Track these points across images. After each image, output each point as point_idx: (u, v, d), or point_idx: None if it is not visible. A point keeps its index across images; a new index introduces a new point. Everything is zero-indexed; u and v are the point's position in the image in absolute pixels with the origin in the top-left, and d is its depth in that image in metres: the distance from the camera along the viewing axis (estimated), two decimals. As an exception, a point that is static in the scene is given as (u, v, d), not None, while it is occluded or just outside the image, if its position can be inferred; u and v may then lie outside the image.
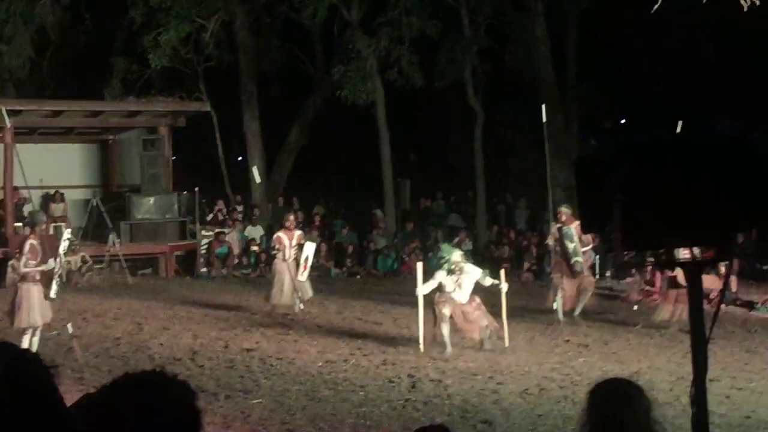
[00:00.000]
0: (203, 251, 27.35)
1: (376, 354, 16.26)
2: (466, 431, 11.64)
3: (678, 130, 19.17)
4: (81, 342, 15.49)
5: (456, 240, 29.33)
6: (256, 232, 29.10)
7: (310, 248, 20.70)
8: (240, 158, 34.26)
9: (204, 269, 27.11)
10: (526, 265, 27.67)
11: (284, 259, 20.10)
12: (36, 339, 14.75)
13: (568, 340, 17.75)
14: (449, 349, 16.14)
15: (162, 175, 27.18)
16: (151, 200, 26.78)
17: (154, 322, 18.97)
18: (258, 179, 22.65)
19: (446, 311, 16.29)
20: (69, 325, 15.38)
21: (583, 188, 4.59)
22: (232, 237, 28.23)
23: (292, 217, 21.34)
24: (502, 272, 17.36)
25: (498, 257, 28.40)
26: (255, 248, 28.11)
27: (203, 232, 27.67)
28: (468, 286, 16.50)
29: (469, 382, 14.34)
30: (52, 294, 14.41)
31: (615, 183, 4.49)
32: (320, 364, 15.41)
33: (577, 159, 4.64)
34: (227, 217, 29.85)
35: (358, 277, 27.49)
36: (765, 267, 24.29)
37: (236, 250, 27.91)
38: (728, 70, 30.26)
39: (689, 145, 4.93)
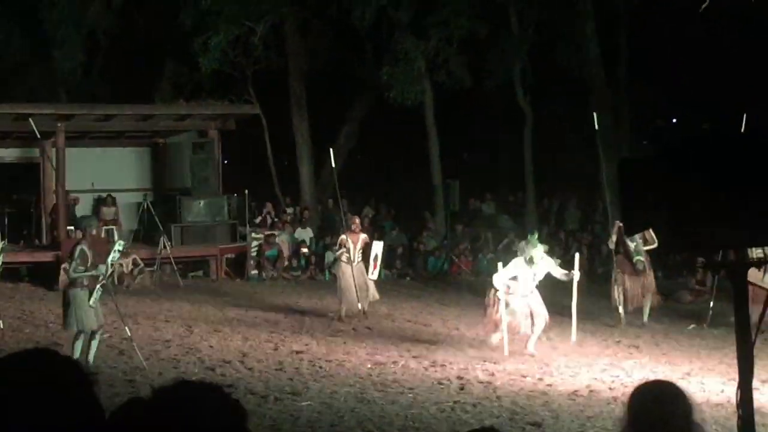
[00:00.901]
0: (253, 253, 27.42)
1: (425, 356, 16.24)
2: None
3: (743, 127, 18.96)
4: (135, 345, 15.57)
5: (505, 241, 29.26)
6: (305, 233, 29.16)
7: (378, 247, 20.71)
8: (286, 163, 34.29)
9: (254, 271, 27.18)
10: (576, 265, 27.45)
11: (348, 262, 20.05)
12: (95, 342, 14.79)
13: (619, 341, 17.65)
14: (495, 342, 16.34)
15: (212, 177, 27.27)
16: (202, 203, 26.89)
17: (204, 324, 19.06)
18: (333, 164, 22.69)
19: (505, 318, 16.28)
20: (127, 329, 15.46)
21: (627, 190, 4.56)
22: (282, 239, 28.29)
23: (357, 220, 21.26)
24: (577, 258, 17.34)
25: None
26: (305, 250, 28.16)
27: (253, 235, 27.74)
28: (540, 277, 16.50)
29: (518, 384, 14.29)
30: (91, 302, 14.41)
31: (660, 184, 4.45)
32: (369, 366, 15.41)
33: (621, 160, 4.61)
34: (276, 219, 29.91)
35: (408, 278, 27.46)
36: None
37: (286, 252, 27.96)
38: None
39: (735, 144, 4.87)
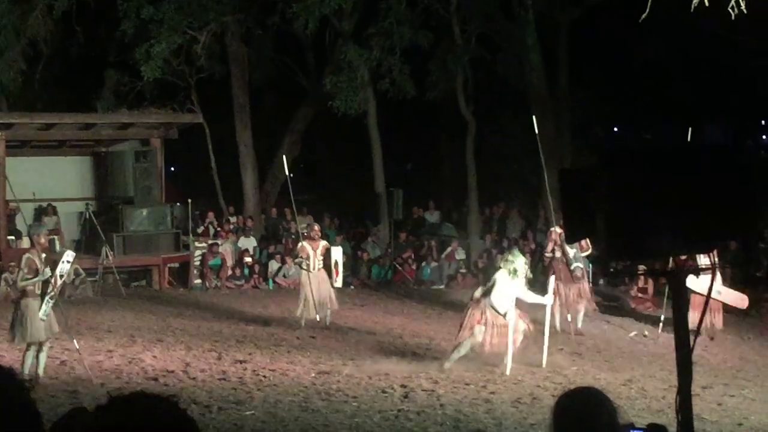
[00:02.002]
0: (196, 263, 27.32)
1: (369, 364, 16.25)
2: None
3: (689, 137, 19.16)
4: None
5: (449, 249, 29.41)
6: (249, 242, 29.09)
7: (337, 253, 20.70)
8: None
9: (197, 281, 27.08)
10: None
11: (309, 270, 19.98)
12: (43, 355, 14.62)
13: (561, 349, 17.77)
14: (449, 365, 15.83)
15: (155, 187, 27.15)
16: (144, 212, 26.75)
17: (147, 334, 18.97)
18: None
19: (479, 336, 15.81)
20: (75, 342, 15.32)
21: (566, 199, 4.63)
22: (225, 248, 28.21)
23: (317, 227, 21.19)
24: (551, 282, 17.03)
25: (491, 266, 28.41)
26: (248, 259, 28.10)
27: (196, 244, 27.65)
28: (514, 295, 16.01)
29: (461, 392, 14.36)
30: (41, 314, 14.25)
31: (600, 193, 4.51)
32: (313, 375, 15.42)
33: (561, 170, 4.68)
34: (219, 228, 29.83)
35: (352, 287, 27.48)
36: (758, 274, 24.30)
37: (229, 262, 27.88)
38: (721, 77, 30.34)
39: (674, 154, 4.95)
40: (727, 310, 19.16)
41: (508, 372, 15.49)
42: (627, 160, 4.73)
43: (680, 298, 4.47)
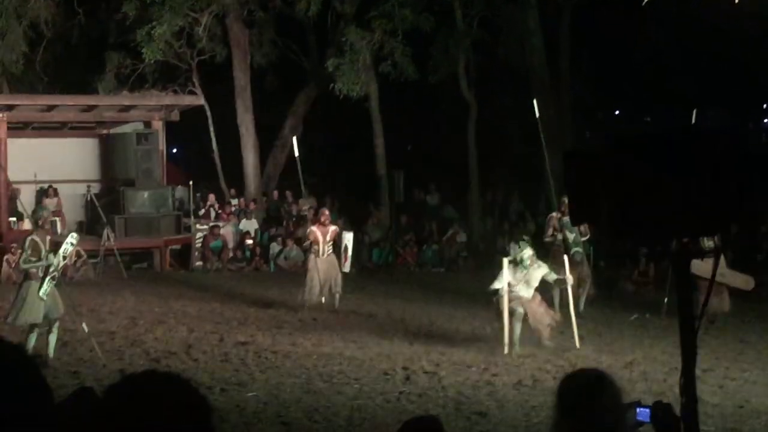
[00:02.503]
0: (198, 245, 27.35)
1: (370, 347, 16.30)
2: (461, 423, 11.68)
3: (693, 120, 19.15)
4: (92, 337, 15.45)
5: (450, 232, 29.42)
6: (250, 225, 29.10)
7: (348, 238, 20.57)
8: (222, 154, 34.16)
9: (199, 263, 27.12)
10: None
11: (318, 256, 19.91)
12: (53, 336, 14.64)
13: (562, 332, 17.76)
14: (518, 348, 15.77)
15: (156, 169, 27.20)
16: (146, 194, 26.79)
17: (149, 316, 19.02)
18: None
19: (521, 309, 15.82)
20: (84, 325, 15.34)
21: (572, 181, 4.64)
22: (227, 230, 28.23)
23: (327, 212, 20.87)
24: (566, 261, 17.08)
25: (492, 249, 28.45)
26: (249, 242, 28.13)
27: (198, 226, 27.67)
28: (535, 283, 16.08)
29: (463, 374, 14.38)
30: (42, 293, 14.30)
31: (604, 176, 4.53)
32: (315, 357, 15.45)
33: (566, 153, 4.69)
34: (220, 211, 29.85)
35: (353, 269, 27.46)
36: (759, 256, 24.32)
37: (231, 244, 27.91)
38: (721, 61, 30.33)
39: (677, 138, 4.96)
40: (731, 293, 19.18)
41: (506, 350, 15.60)
42: (632, 144, 4.74)
43: (684, 280, 4.48)
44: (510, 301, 15.81)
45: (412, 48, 30.00)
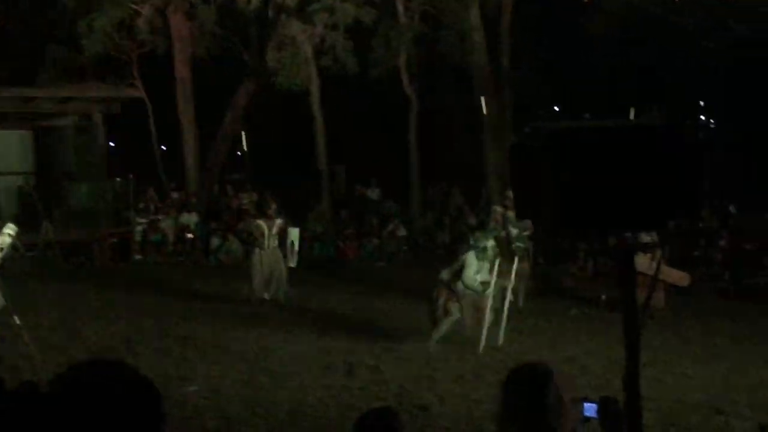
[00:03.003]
0: (138, 238, 27.19)
1: (312, 340, 16.30)
2: (402, 416, 11.70)
3: (631, 117, 19.31)
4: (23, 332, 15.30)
5: (391, 227, 29.47)
6: (190, 218, 28.97)
7: (294, 234, 20.44)
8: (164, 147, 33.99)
9: (138, 256, 26.97)
10: (462, 251, 27.74)
11: (262, 249, 19.81)
12: None
13: (503, 327, 17.85)
14: (432, 346, 15.66)
15: (96, 162, 27.01)
16: (85, 187, 26.59)
17: (88, 309, 18.88)
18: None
19: (456, 312, 15.70)
20: (15, 317, 15.18)
21: (516, 175, 4.67)
22: (167, 224, 28.10)
23: (274, 205, 20.58)
24: (515, 263, 16.83)
25: (432, 244, 28.56)
26: (190, 235, 28.01)
27: (138, 219, 27.51)
28: (485, 276, 15.95)
29: (404, 368, 14.41)
30: None
31: (548, 170, 4.56)
32: (256, 351, 15.42)
33: (511, 147, 4.74)
34: (160, 204, 29.70)
35: (293, 264, 27.44)
36: (695, 253, 24.59)
37: (171, 238, 27.78)
38: (661, 59, 30.60)
39: (619, 132, 5.01)
40: (666, 289, 19.40)
41: (480, 349, 15.47)
42: (575, 137, 4.78)
43: (626, 275, 4.53)
44: (462, 297, 15.76)
45: (354, 42, 30.00)
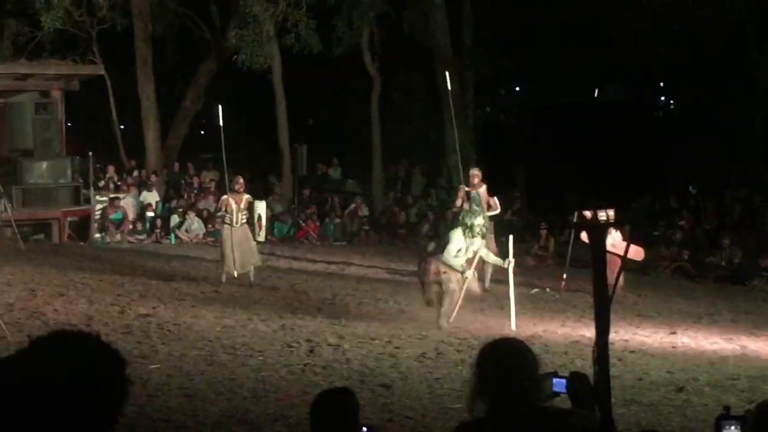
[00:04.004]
0: (97, 216, 27.02)
1: (273, 319, 16.26)
2: (365, 395, 11.67)
3: (596, 95, 19.43)
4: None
5: (353, 206, 29.46)
6: (151, 197, 28.83)
7: (261, 207, 20.30)
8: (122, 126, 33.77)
9: (98, 235, 26.80)
10: (424, 230, 27.82)
11: (232, 225, 19.61)
12: None
13: (464, 306, 17.89)
14: (445, 323, 15.66)
15: (55, 139, 26.77)
16: (44, 165, 26.34)
17: (47, 288, 18.72)
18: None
19: (456, 287, 15.66)
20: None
21: (489, 153, 4.68)
22: (127, 202, 27.94)
23: (241, 180, 20.38)
24: (510, 242, 16.49)
25: (394, 223, 28.57)
26: (151, 214, 27.87)
27: (97, 197, 27.32)
28: (471, 253, 15.87)
29: (367, 347, 14.41)
30: None
31: (518, 148, 4.57)
32: (218, 329, 15.37)
33: (483, 125, 4.72)
34: (120, 183, 29.53)
35: (254, 243, 27.38)
36: (655, 233, 24.71)
37: (131, 216, 27.63)
38: (622, 37, 30.67)
39: (590, 110, 5.02)
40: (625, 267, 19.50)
41: (443, 327, 15.49)
42: (546, 115, 4.79)
43: (598, 251, 4.54)
44: (444, 273, 15.70)
45: (316, 20, 29.90)
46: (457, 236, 15.81)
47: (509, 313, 16.26)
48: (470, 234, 15.74)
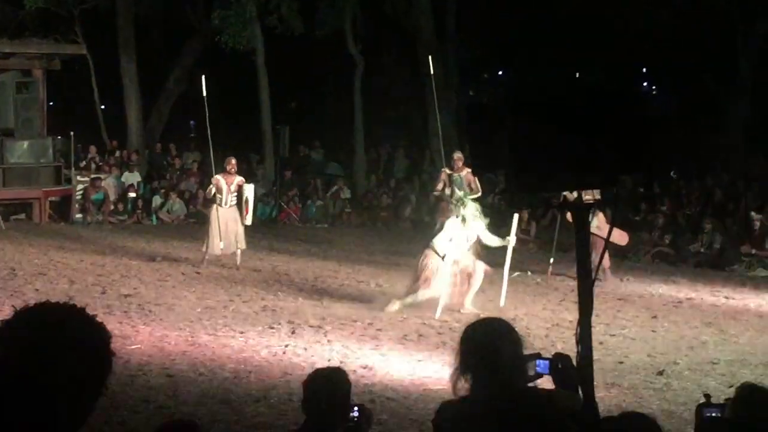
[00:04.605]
0: (78, 197, 26.93)
1: (255, 300, 16.28)
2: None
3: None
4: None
5: (335, 188, 29.45)
6: (133, 177, 28.75)
7: (249, 190, 20.09)
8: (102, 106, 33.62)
9: (79, 215, 26.72)
10: (406, 213, 27.84)
11: (221, 205, 19.45)
12: None
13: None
14: (396, 307, 15.57)
15: (36, 118, 26.67)
16: (25, 144, 26.24)
17: (28, 267, 18.70)
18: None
19: (434, 291, 15.47)
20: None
21: (475, 132, 4.68)
22: (108, 183, 27.86)
23: (234, 161, 20.16)
24: (515, 221, 16.47)
25: (376, 206, 28.57)
26: (132, 194, 27.80)
27: (78, 178, 27.23)
28: (472, 239, 15.72)
29: (348, 329, 14.44)
30: None
31: (503, 127, 4.58)
32: (199, 310, 15.38)
33: (467, 104, 4.73)
34: (101, 163, 29.44)
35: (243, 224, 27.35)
36: (636, 218, 24.76)
37: (112, 196, 27.54)
38: (603, 22, 30.70)
39: (575, 92, 5.03)
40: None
41: (437, 316, 15.33)
42: (532, 98, 4.80)
43: (582, 232, 4.55)
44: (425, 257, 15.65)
45: (299, 1, 29.83)
46: (450, 225, 15.75)
47: (500, 289, 16.26)
48: (464, 222, 15.61)
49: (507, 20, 33.32)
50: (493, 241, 16.15)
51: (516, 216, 16.73)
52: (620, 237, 19.43)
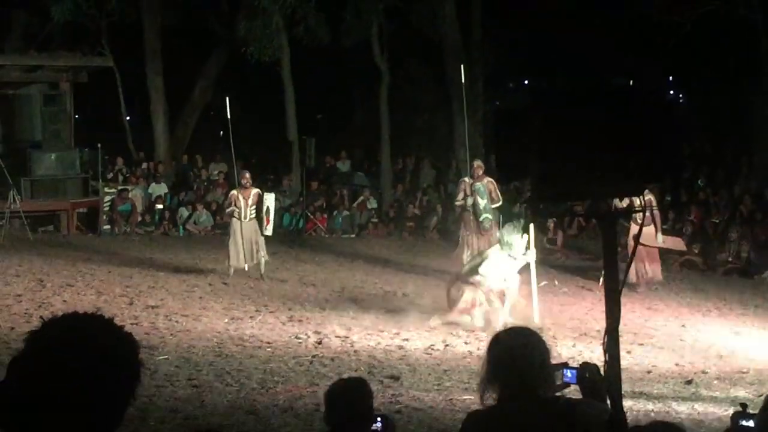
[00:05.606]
0: (106, 208, 27.02)
1: (282, 311, 16.29)
2: (373, 386, 11.52)
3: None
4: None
5: (361, 199, 29.44)
6: (160, 189, 28.83)
7: (270, 200, 20.21)
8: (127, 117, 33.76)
9: (106, 226, 26.79)
10: (432, 223, 27.79)
11: (240, 219, 19.58)
12: None
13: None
14: (436, 323, 15.43)
15: (64, 130, 26.81)
16: (53, 156, 26.37)
17: (56, 278, 18.74)
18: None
19: (478, 320, 15.30)
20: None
21: (501, 139, 4.65)
22: (135, 194, 27.94)
23: (248, 174, 20.33)
24: (532, 233, 16.11)
25: (403, 216, 28.54)
26: (159, 206, 27.87)
27: (106, 189, 27.33)
28: (517, 267, 15.58)
29: (375, 339, 14.44)
30: None
31: (531, 134, 4.54)
32: (226, 320, 15.40)
33: (496, 109, 4.70)
34: (128, 174, 29.54)
35: (262, 235, 27.37)
36: (664, 226, 24.63)
37: (139, 208, 27.63)
38: (627, 31, 30.62)
39: (603, 95, 4.99)
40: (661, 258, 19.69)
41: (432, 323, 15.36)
42: (558, 101, 4.76)
43: (610, 241, 4.52)
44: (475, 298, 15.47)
45: (325, 13, 29.86)
46: (493, 254, 15.57)
47: (532, 305, 16.03)
48: (508, 247, 15.42)
49: (533, 28, 33.25)
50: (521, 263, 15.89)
51: (531, 227, 16.43)
52: (678, 243, 19.44)
